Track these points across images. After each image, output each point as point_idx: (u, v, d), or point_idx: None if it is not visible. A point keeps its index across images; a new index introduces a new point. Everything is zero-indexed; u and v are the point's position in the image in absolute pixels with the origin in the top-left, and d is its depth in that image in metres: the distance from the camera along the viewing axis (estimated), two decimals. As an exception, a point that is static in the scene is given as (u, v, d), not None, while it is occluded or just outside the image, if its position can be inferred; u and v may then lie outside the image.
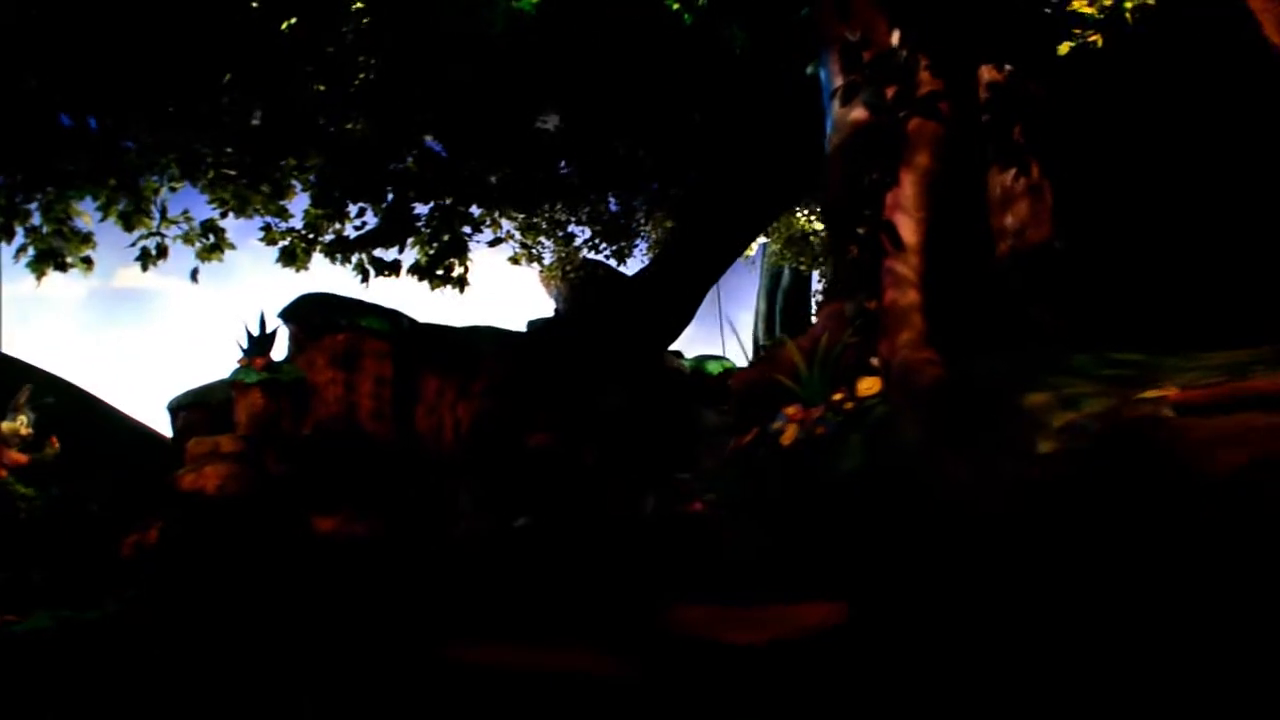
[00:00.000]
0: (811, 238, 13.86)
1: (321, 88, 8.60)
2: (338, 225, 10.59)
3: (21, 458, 7.97)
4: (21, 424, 8.03)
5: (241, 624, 5.83)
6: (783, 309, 17.28)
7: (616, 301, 11.86)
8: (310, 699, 3.87)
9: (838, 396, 5.27)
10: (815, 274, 16.93)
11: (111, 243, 10.77)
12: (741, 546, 5.32)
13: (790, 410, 5.49)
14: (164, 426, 11.33)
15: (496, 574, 6.58)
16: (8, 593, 6.46)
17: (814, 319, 13.82)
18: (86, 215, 10.16)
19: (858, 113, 6.03)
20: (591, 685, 3.69)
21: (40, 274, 10.20)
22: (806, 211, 13.27)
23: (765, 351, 13.00)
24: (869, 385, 5.19)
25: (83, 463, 8.73)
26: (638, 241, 12.47)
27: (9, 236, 9.55)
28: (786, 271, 17.02)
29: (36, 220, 9.86)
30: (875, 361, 5.28)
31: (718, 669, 3.60)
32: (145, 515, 7.95)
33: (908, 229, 5.51)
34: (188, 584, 7.00)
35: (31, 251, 10.00)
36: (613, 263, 12.30)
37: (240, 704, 4.11)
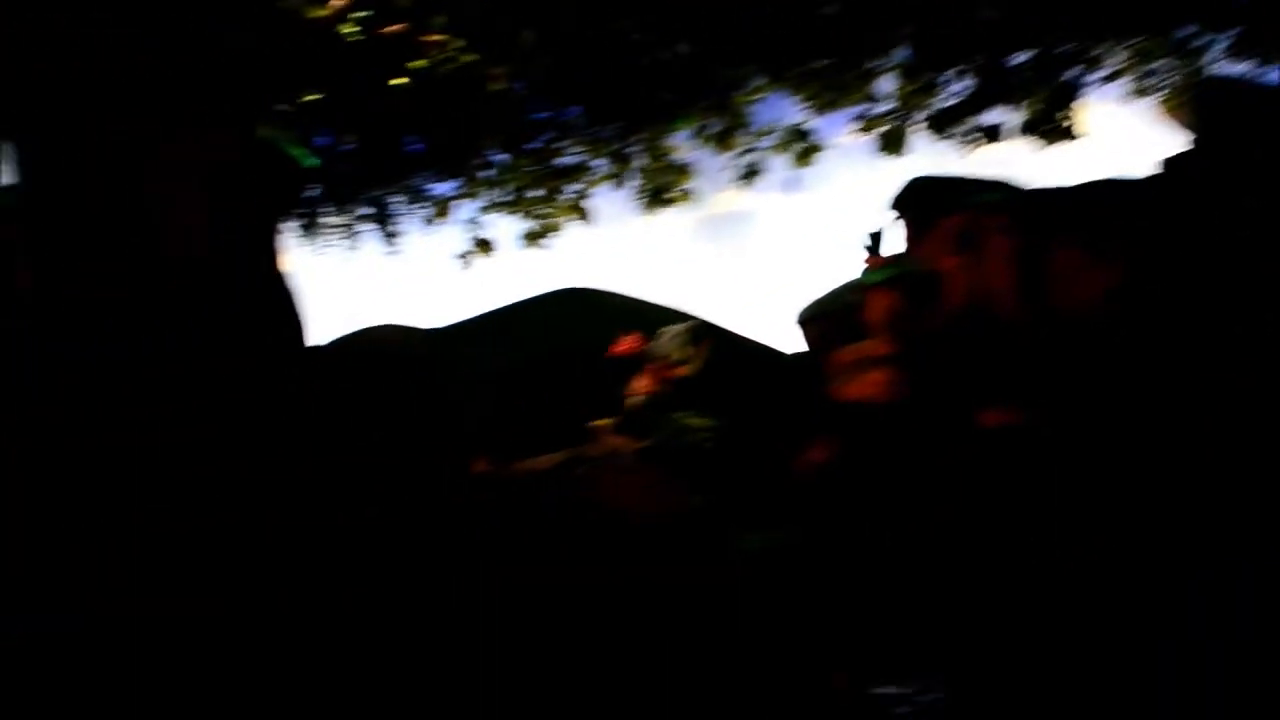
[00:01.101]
0: None
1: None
2: (933, 98, 9.72)
3: (681, 370, 8.02)
4: (678, 349, 8.10)
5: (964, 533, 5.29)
6: None
7: (1270, 118, 9.85)
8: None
9: None
10: None
11: (708, 171, 10.79)
12: None
13: None
14: (776, 342, 11.24)
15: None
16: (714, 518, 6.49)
17: None
18: (681, 148, 10.22)
19: None
20: None
21: (651, 214, 10.45)
22: None
23: None
24: None
25: (724, 389, 8.73)
26: (1289, 40, 10.25)
27: (623, 181, 9.84)
28: None
29: (640, 163, 10.09)
30: None
31: None
32: (808, 433, 7.69)
33: None
34: (872, 496, 6.63)
35: (640, 193, 10.28)
36: (1259, 75, 10.24)
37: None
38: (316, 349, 8.68)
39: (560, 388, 8.85)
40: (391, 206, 10.43)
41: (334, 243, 10.68)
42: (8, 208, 6.33)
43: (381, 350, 9.48)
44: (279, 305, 7.92)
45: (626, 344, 8.21)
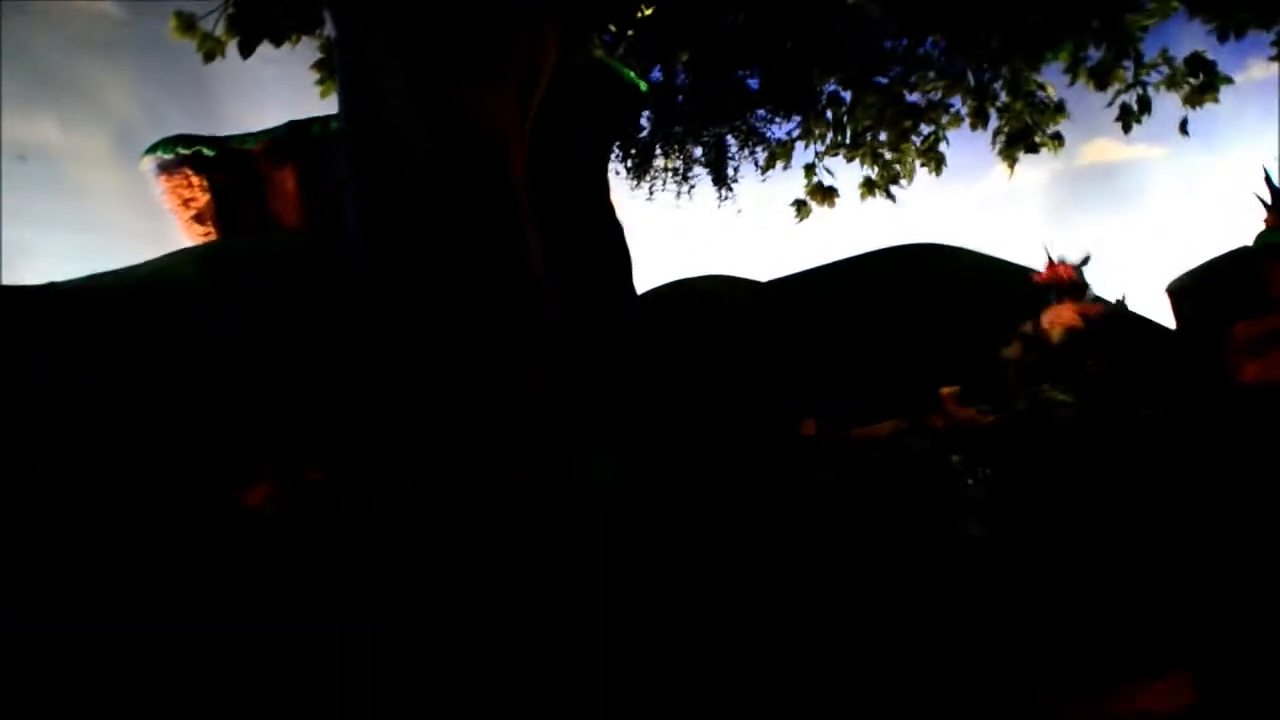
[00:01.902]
0: None
1: None
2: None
3: (1093, 308, 7.00)
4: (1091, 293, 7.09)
5: None
6: None
7: None
8: None
9: None
10: None
11: (1076, 118, 9.54)
12: None
13: None
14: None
15: None
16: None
17: None
18: (1052, 86, 9.03)
19: None
20: None
21: (1011, 160, 9.33)
22: None
23: None
24: None
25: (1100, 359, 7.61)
26: None
27: (984, 121, 8.81)
28: None
29: (1003, 101, 9.00)
30: None
31: None
32: (1201, 415, 6.50)
33: None
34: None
35: (1001, 137, 9.22)
36: None
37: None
38: (641, 296, 8.30)
39: (902, 349, 8.06)
40: (726, 149, 9.92)
41: (666, 186, 10.33)
42: (329, 137, 6.21)
43: (703, 302, 9.00)
44: (605, 236, 7.51)
45: (1051, 271, 7.26)
